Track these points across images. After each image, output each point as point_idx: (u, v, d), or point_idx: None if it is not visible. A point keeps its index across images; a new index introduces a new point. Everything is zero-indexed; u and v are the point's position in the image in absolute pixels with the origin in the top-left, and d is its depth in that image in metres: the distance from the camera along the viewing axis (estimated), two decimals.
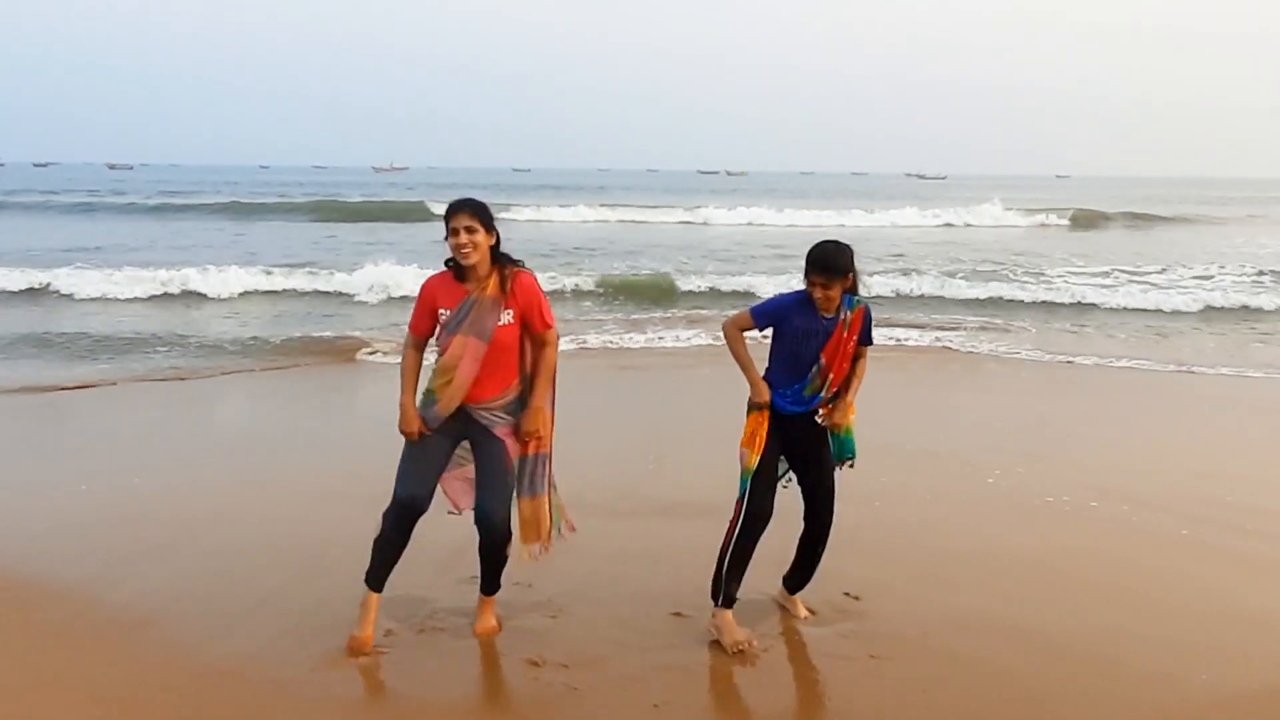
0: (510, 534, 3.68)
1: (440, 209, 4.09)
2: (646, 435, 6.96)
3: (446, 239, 3.52)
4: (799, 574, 4.02)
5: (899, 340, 11.26)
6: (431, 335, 3.66)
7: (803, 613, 4.01)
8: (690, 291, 15.29)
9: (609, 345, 10.90)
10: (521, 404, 3.67)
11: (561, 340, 4.14)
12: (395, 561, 3.72)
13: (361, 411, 8.20)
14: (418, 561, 4.45)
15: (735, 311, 3.95)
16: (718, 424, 6.56)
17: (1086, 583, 4.38)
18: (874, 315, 3.82)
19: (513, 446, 3.64)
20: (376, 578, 3.71)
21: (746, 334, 3.86)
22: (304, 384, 8.97)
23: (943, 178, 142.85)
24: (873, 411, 7.48)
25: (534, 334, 3.63)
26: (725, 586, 3.77)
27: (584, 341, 10.92)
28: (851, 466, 3.96)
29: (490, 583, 3.85)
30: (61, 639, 3.74)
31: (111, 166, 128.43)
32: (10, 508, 5.25)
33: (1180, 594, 4.31)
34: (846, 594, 4.18)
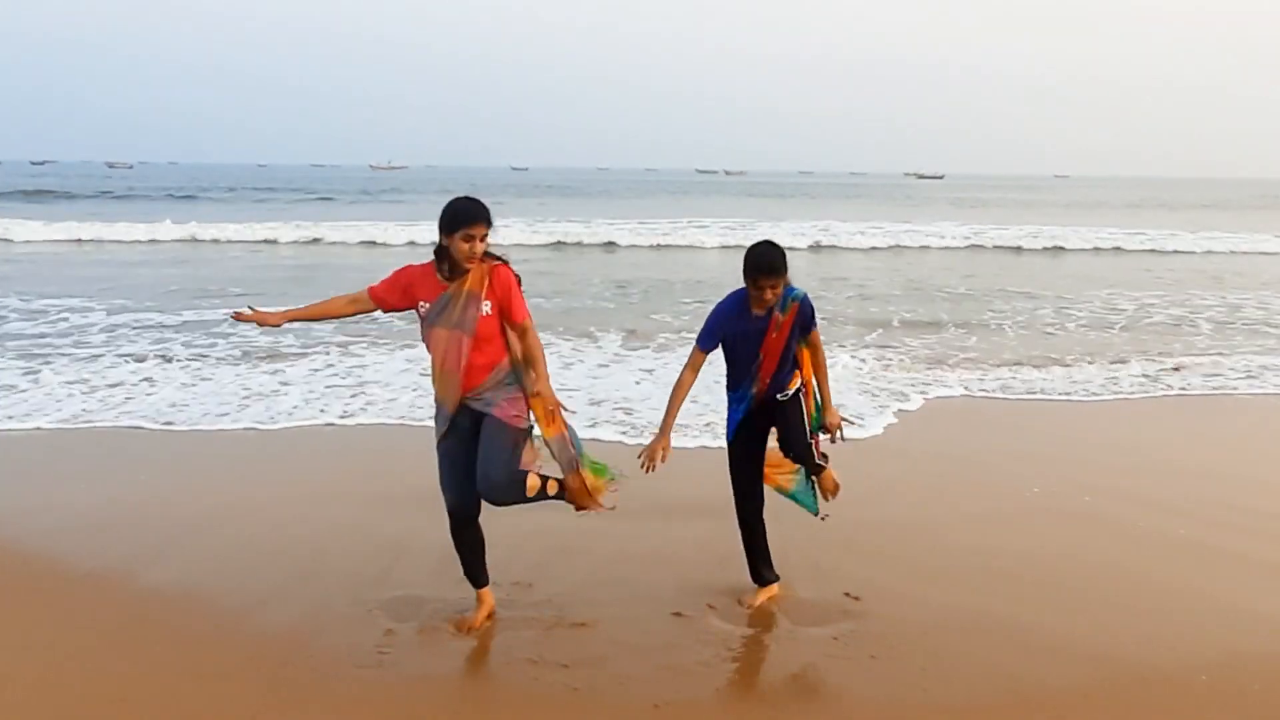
0: (511, 497, 3.62)
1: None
2: (647, 435, 6.94)
3: (451, 238, 3.46)
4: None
5: None
6: (383, 309, 3.67)
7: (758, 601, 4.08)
8: None
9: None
10: (514, 376, 3.65)
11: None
12: (478, 556, 3.87)
13: None
14: (417, 561, 4.46)
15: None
16: (720, 422, 6.57)
17: (1086, 582, 4.38)
18: None
19: (506, 417, 3.61)
20: (471, 576, 3.90)
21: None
22: None
23: (940, 177, 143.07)
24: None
25: (511, 324, 3.60)
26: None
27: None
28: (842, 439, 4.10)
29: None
30: (67, 635, 3.74)
31: (110, 165, 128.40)
32: (26, 503, 5.25)
33: (1180, 593, 4.30)
34: (847, 594, 4.18)
